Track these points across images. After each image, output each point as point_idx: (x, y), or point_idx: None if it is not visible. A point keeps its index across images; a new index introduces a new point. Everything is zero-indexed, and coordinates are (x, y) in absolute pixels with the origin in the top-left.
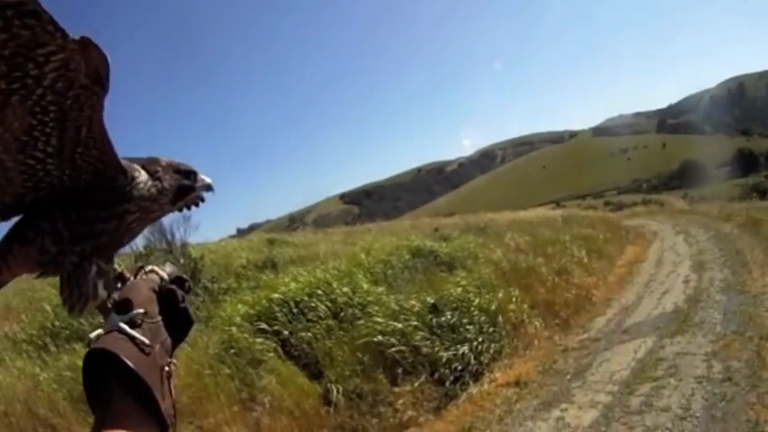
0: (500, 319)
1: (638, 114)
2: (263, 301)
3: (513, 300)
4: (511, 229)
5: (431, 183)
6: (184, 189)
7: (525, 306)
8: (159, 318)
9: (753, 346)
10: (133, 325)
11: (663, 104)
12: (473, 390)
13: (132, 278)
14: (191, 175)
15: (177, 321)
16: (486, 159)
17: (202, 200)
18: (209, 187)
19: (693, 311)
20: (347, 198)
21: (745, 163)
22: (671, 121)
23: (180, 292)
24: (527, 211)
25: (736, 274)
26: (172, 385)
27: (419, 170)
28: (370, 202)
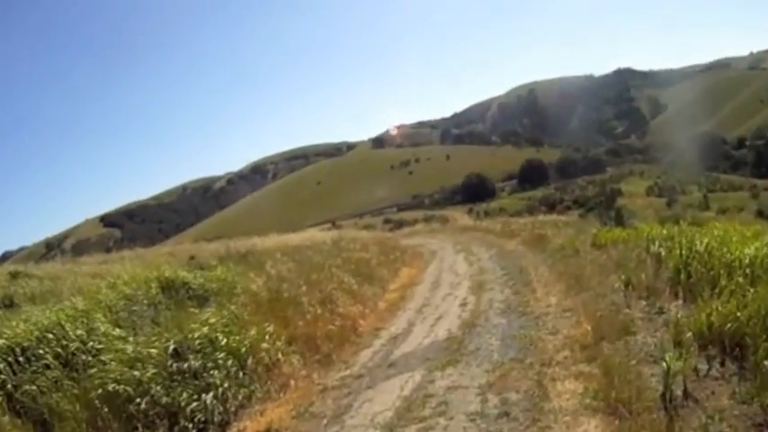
0: (250, 360)
1: (420, 124)
2: None
3: (268, 337)
4: (275, 254)
5: (197, 202)
6: None
7: (281, 343)
8: None
9: (533, 374)
10: None
11: (447, 114)
12: None
13: None
14: None
15: None
16: (257, 175)
17: None
18: None
19: (468, 338)
20: (108, 220)
21: (534, 175)
22: (456, 131)
23: None
24: (297, 234)
25: (518, 293)
26: None
27: (185, 188)
28: (133, 225)
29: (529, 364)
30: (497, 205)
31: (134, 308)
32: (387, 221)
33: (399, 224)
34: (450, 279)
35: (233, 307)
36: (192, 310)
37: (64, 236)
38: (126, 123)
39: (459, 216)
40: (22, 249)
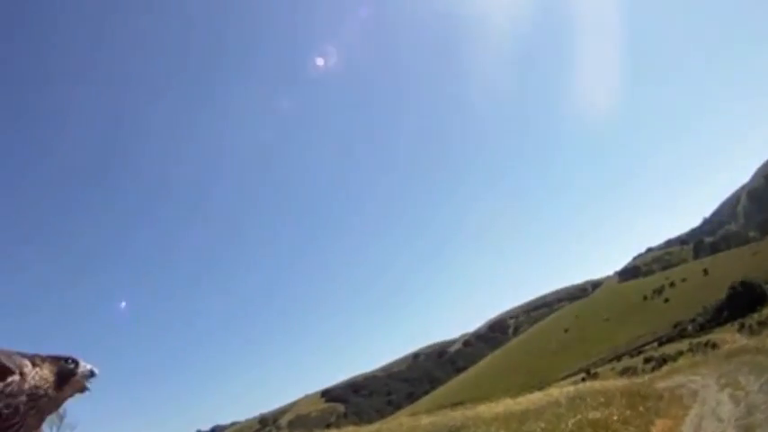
0: None
1: (669, 242)
2: None
3: None
4: (491, 426)
5: (431, 368)
6: (66, 373)
7: None
8: None
9: None
10: None
11: (696, 222)
12: None
13: None
14: (69, 359)
15: None
16: (496, 333)
17: (86, 388)
18: (91, 373)
19: None
20: (330, 395)
21: None
22: (708, 239)
23: None
24: (534, 394)
25: None
26: None
27: (416, 355)
28: (359, 399)
29: None
30: None
31: None
32: (647, 360)
33: (662, 361)
34: (712, 428)
35: None
36: None
37: (281, 412)
38: (349, 298)
39: (730, 336)
40: (233, 424)
